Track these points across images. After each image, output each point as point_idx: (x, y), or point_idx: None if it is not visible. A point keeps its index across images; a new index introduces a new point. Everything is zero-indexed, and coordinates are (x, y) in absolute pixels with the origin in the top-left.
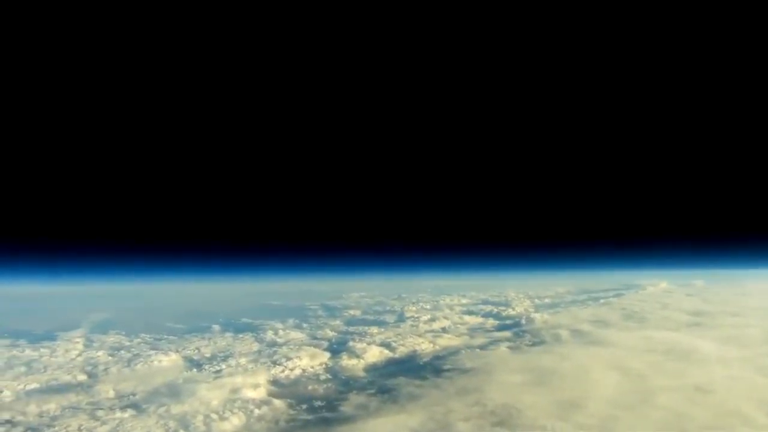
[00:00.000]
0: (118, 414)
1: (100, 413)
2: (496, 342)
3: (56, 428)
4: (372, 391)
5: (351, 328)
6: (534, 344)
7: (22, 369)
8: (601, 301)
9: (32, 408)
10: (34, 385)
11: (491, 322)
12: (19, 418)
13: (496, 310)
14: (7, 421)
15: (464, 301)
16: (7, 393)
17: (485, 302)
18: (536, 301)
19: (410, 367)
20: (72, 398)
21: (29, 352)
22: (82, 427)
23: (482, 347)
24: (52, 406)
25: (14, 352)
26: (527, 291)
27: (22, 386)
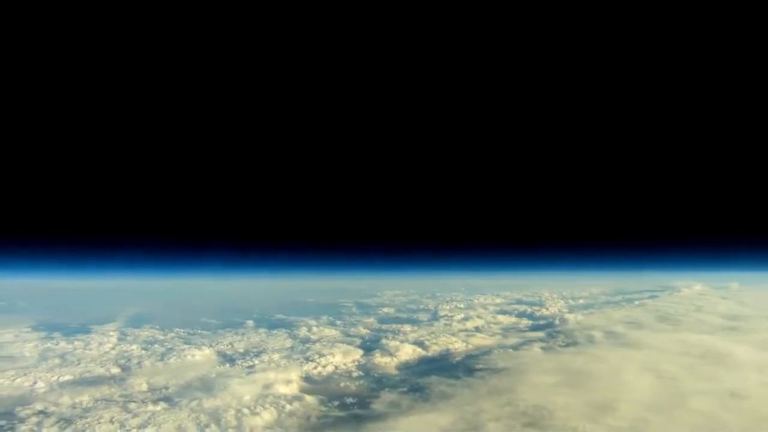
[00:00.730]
0: (151, 407)
1: (132, 406)
2: (529, 342)
3: (89, 419)
4: (404, 389)
5: (384, 326)
6: (567, 345)
7: (57, 361)
8: (636, 302)
9: (65, 399)
10: (67, 377)
11: (525, 322)
12: (53, 408)
13: (529, 310)
14: (41, 412)
15: (498, 300)
16: (41, 384)
17: (519, 302)
18: (570, 301)
19: (443, 366)
20: (105, 391)
21: (64, 345)
22: (114, 419)
23: (515, 347)
24: (85, 398)
25: (49, 344)
26: (561, 291)
27: (56, 378)
